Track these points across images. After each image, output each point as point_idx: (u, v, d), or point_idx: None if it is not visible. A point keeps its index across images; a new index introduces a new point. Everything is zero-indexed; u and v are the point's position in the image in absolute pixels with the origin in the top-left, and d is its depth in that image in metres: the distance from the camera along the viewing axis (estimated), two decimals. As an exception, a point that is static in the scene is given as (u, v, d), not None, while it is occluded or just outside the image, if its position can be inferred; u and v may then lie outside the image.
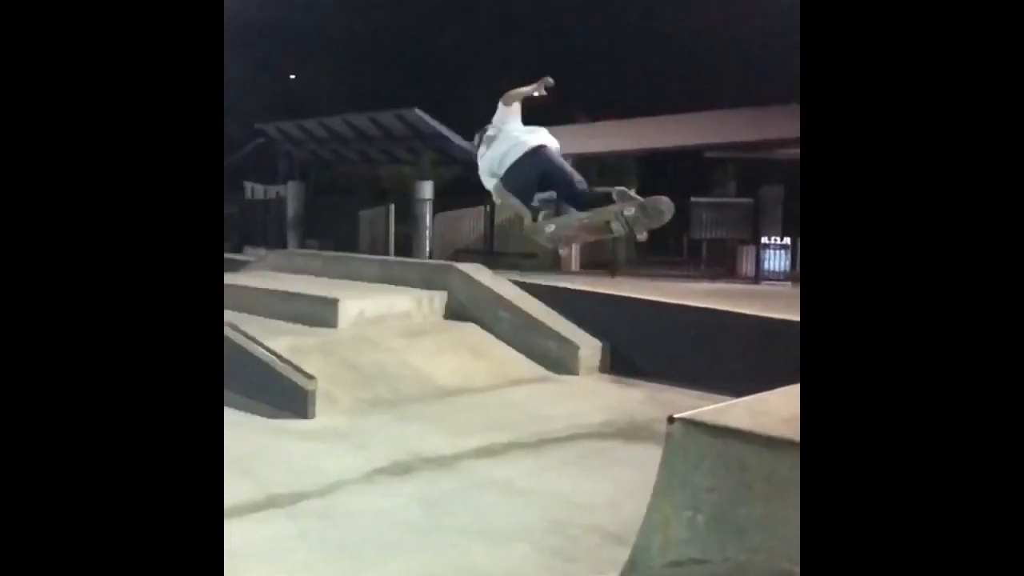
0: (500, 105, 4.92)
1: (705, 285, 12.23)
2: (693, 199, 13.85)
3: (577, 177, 4.73)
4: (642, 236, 4.77)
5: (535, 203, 4.69)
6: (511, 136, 4.76)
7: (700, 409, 3.72)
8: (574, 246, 13.62)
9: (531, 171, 4.66)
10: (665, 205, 4.44)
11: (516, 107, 4.90)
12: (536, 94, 4.84)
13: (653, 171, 15.99)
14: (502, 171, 4.70)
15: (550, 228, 4.66)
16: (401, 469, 6.02)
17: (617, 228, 4.51)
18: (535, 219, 4.66)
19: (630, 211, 4.46)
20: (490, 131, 4.89)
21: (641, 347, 9.62)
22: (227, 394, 8.56)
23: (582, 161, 14.74)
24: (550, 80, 4.83)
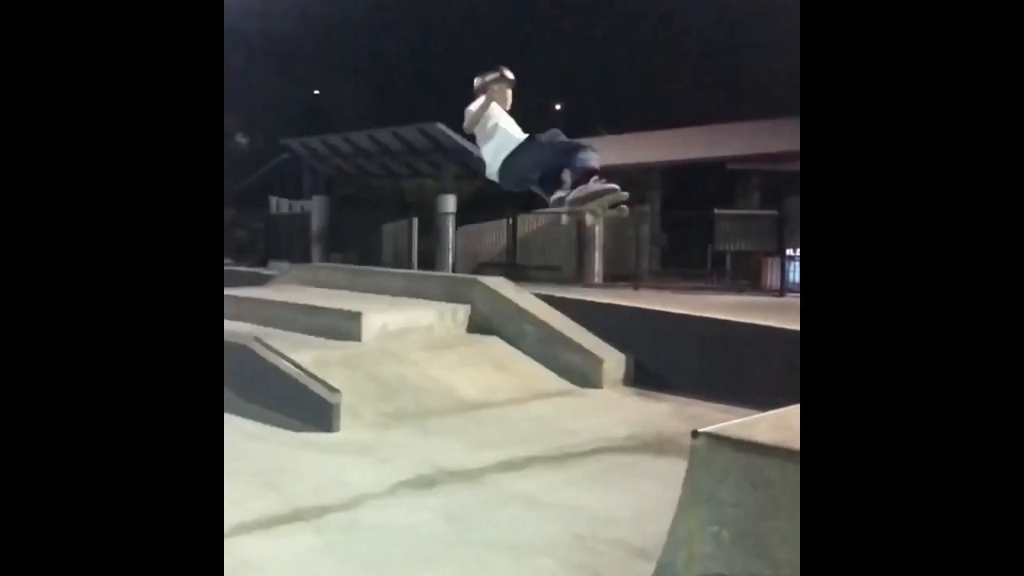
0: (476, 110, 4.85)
1: (730, 297, 12.15)
2: (717, 211, 13.80)
3: (582, 148, 4.63)
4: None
5: (539, 186, 4.63)
6: (500, 131, 4.74)
7: (725, 423, 3.69)
8: (598, 257, 13.66)
9: (525, 164, 4.63)
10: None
11: (494, 107, 4.84)
12: (496, 94, 4.78)
13: (677, 183, 15.95)
14: (497, 166, 4.70)
15: (568, 196, 4.53)
16: (425, 483, 6.02)
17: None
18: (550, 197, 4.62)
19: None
20: (489, 124, 4.83)
21: (665, 360, 9.58)
22: (252, 407, 8.68)
23: (604, 174, 14.78)
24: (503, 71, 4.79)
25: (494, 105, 4.86)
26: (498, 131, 4.78)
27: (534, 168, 4.66)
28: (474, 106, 4.82)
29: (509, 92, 4.88)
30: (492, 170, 4.83)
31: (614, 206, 4.51)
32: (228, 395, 8.67)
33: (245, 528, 5.13)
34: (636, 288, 12.56)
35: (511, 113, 5.00)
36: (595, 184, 4.44)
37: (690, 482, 3.50)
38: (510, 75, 4.85)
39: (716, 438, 3.40)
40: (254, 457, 6.71)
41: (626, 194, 4.53)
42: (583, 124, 19.06)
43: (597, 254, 13.64)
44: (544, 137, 4.69)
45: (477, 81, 4.91)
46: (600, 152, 4.77)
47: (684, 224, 14.61)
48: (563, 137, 4.74)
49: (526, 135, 4.73)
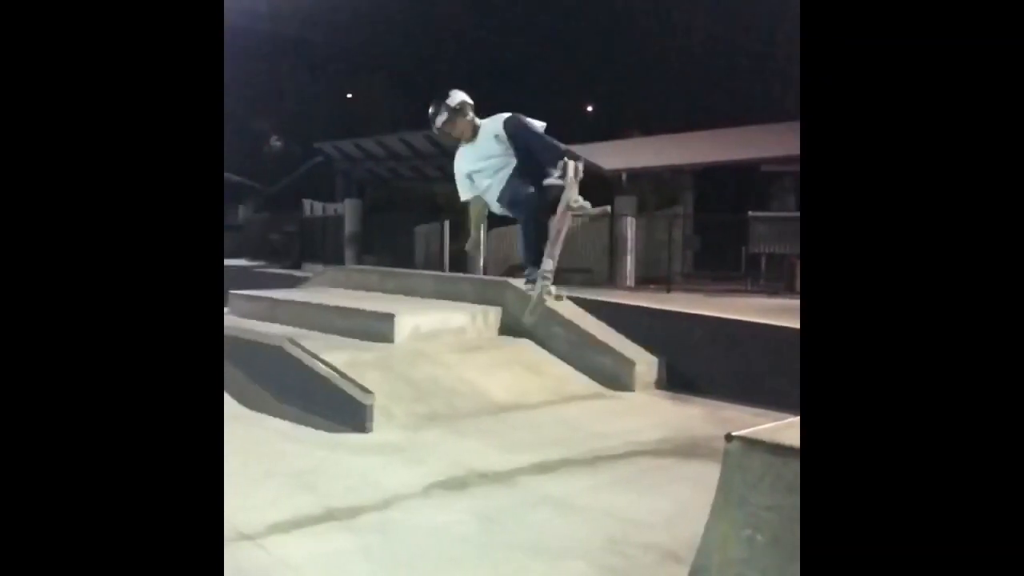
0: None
1: (763, 300, 12.04)
2: (751, 213, 13.68)
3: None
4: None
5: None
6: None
7: (759, 427, 3.66)
8: (630, 260, 13.60)
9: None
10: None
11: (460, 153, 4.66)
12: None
13: (710, 185, 15.84)
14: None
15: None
16: (457, 484, 6.05)
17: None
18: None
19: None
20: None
21: (698, 363, 9.51)
22: (287, 408, 8.76)
23: (637, 177, 14.71)
24: None
25: (460, 151, 4.66)
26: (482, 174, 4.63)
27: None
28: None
29: (458, 121, 4.59)
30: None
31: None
32: (263, 396, 8.81)
33: (280, 528, 5.19)
34: (669, 291, 12.49)
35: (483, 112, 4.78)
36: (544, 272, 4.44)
37: (724, 486, 3.48)
38: (452, 103, 4.58)
39: (750, 442, 3.37)
40: (289, 457, 6.79)
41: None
42: (615, 126, 19.01)
43: (629, 256, 13.59)
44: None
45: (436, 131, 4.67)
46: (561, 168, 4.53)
47: (717, 226, 14.50)
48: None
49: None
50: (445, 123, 4.42)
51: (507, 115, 4.21)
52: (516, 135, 4.39)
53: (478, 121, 4.44)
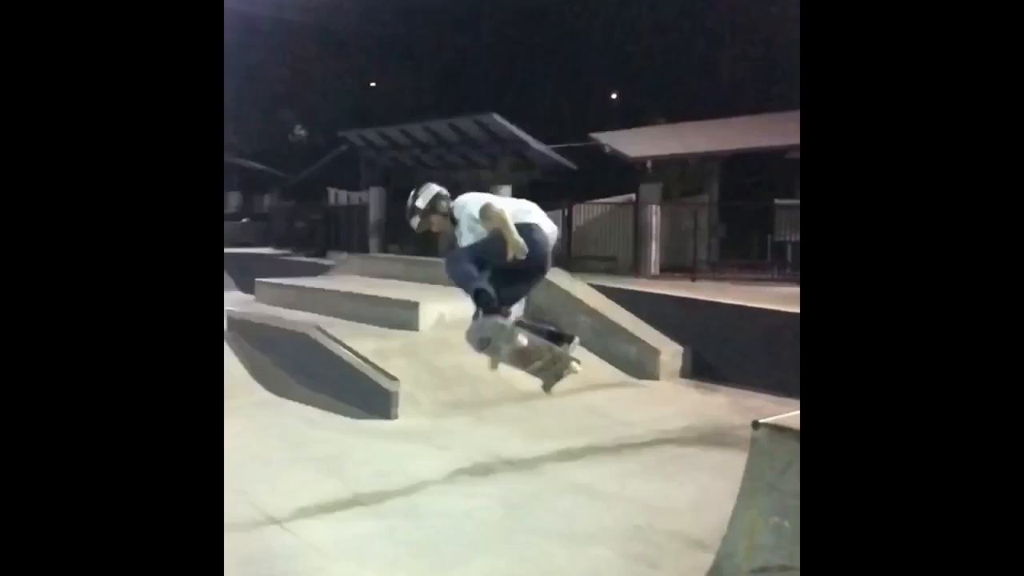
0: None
1: (789, 289, 11.93)
2: (777, 201, 13.54)
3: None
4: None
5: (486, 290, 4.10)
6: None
7: (786, 414, 3.65)
8: (654, 248, 13.52)
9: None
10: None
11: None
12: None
13: (736, 173, 15.71)
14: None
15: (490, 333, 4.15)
16: (482, 470, 6.08)
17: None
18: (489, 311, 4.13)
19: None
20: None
21: (723, 352, 9.47)
22: (313, 394, 8.83)
23: (662, 164, 14.61)
24: None
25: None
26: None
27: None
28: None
29: (433, 219, 4.38)
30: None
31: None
32: (290, 382, 8.89)
33: (308, 512, 5.25)
34: (694, 279, 12.40)
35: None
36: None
37: (751, 473, 3.47)
38: (420, 204, 4.37)
39: (778, 429, 3.36)
40: (316, 443, 6.86)
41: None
42: (641, 113, 18.87)
43: (654, 245, 13.51)
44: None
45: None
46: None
47: (743, 214, 14.36)
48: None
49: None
50: (420, 224, 4.39)
51: (484, 202, 4.14)
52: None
53: (455, 202, 4.31)
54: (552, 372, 4.18)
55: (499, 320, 4.10)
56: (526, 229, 4.04)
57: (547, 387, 4.22)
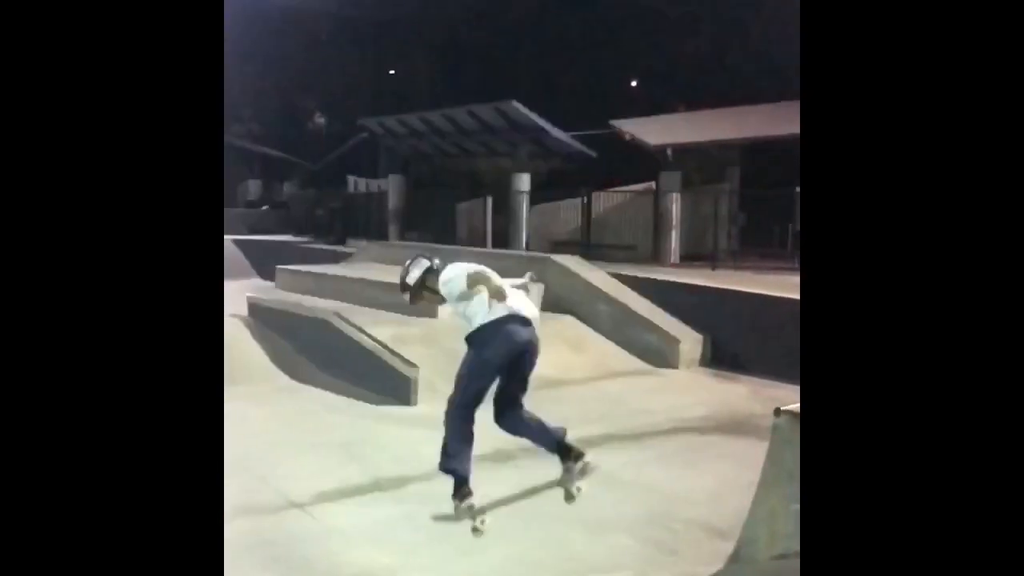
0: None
1: (810, 278, 11.84)
2: (798, 189, 13.42)
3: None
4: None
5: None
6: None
7: (808, 403, 3.62)
8: (674, 236, 13.45)
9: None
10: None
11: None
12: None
13: (757, 161, 15.57)
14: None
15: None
16: (502, 457, 6.09)
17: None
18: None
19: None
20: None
21: (743, 341, 9.43)
22: (333, 380, 8.87)
23: (682, 152, 14.51)
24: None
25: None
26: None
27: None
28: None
29: (424, 295, 4.40)
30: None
31: None
32: (310, 368, 8.96)
33: (329, 496, 5.30)
34: (714, 268, 12.35)
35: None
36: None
37: (772, 460, 3.46)
38: (410, 281, 4.38)
39: (799, 416, 3.33)
40: (336, 429, 6.91)
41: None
42: (661, 101, 18.75)
43: (674, 233, 13.46)
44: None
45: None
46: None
47: (764, 203, 14.24)
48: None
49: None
50: (413, 300, 4.40)
51: (466, 274, 4.13)
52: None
53: (440, 278, 4.27)
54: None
55: (465, 503, 4.14)
56: (499, 322, 3.97)
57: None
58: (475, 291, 4.03)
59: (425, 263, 4.32)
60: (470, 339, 4.04)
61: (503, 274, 9.77)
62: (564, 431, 4.11)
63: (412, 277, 4.32)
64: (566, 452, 4.13)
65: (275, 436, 6.84)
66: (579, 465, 4.05)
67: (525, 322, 4.05)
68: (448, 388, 8.20)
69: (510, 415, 4.06)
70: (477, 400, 4.02)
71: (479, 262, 13.08)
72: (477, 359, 3.98)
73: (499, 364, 3.95)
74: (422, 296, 4.36)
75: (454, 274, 4.18)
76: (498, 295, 3.99)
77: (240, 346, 9.55)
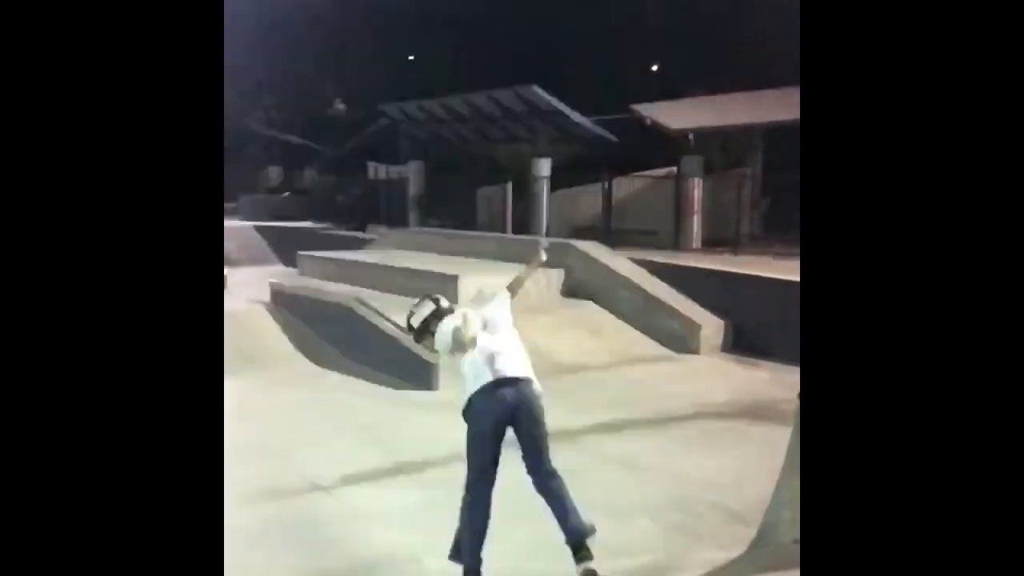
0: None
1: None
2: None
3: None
4: None
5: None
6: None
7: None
8: (696, 221, 13.37)
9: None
10: None
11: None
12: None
13: (779, 145, 15.41)
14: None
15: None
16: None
17: None
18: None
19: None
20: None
21: (765, 326, 9.36)
22: (356, 365, 8.92)
23: (704, 136, 14.40)
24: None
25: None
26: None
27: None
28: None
29: (428, 337, 4.27)
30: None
31: None
32: (332, 353, 9.02)
33: (352, 480, 5.35)
34: (736, 253, 12.26)
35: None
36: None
37: (795, 444, 3.45)
38: (414, 324, 4.27)
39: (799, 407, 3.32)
40: (359, 413, 6.96)
41: None
42: (681, 84, 18.59)
43: (695, 218, 13.37)
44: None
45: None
46: None
47: (787, 187, 14.10)
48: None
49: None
50: (418, 341, 4.35)
51: (453, 328, 4.10)
52: None
53: (440, 328, 4.23)
54: None
55: None
56: (481, 392, 3.89)
57: None
58: (463, 349, 4.00)
59: (430, 306, 4.24)
60: (463, 415, 4.01)
61: (520, 262, 9.75)
62: (592, 529, 3.92)
63: (416, 319, 4.27)
64: (577, 549, 3.92)
65: (299, 421, 6.91)
66: (581, 568, 3.88)
67: (510, 382, 3.91)
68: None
69: (535, 479, 3.95)
70: (481, 478, 3.91)
71: (500, 248, 13.05)
72: (470, 435, 3.94)
73: (491, 435, 3.88)
74: (426, 338, 4.31)
75: (446, 329, 4.13)
76: (473, 346, 3.92)
77: (263, 332, 9.63)
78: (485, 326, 4.04)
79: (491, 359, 3.89)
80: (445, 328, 4.09)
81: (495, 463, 3.86)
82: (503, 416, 3.84)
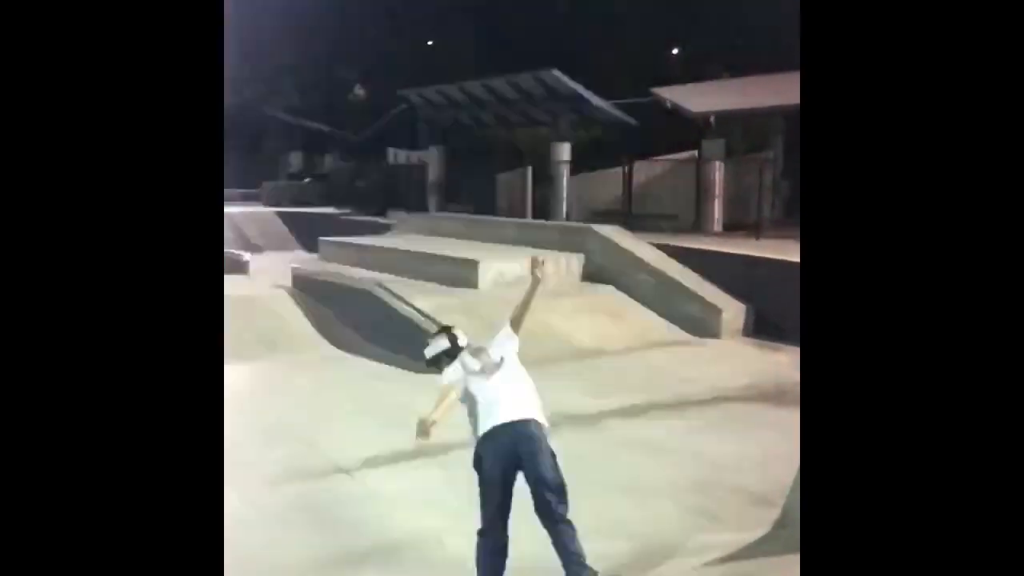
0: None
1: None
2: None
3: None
4: None
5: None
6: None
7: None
8: (717, 205, 13.28)
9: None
10: None
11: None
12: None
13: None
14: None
15: None
16: (544, 425, 6.13)
17: None
18: None
19: None
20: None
21: (787, 310, 9.28)
22: (376, 349, 8.94)
23: (725, 120, 14.27)
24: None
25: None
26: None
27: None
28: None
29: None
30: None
31: None
32: (353, 337, 9.08)
33: (374, 462, 5.39)
34: (757, 237, 12.17)
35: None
36: None
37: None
38: (427, 356, 4.25)
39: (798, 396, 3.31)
40: (380, 396, 7.00)
41: None
42: (702, 66, 18.43)
43: (716, 202, 13.30)
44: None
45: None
46: None
47: (808, 171, 14.00)
48: None
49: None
50: (436, 369, 4.33)
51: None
52: None
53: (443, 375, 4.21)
54: None
55: None
56: (485, 439, 3.82)
57: None
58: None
59: (444, 344, 4.24)
60: (473, 466, 4.00)
61: (540, 246, 9.71)
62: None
63: (429, 353, 4.31)
64: None
65: (321, 404, 6.97)
66: None
67: (508, 428, 3.84)
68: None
69: (544, 524, 3.90)
70: (493, 524, 3.83)
71: (519, 233, 12.98)
72: (479, 481, 3.93)
73: (499, 480, 3.84)
74: (437, 371, 4.35)
75: (446, 380, 4.10)
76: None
77: (285, 316, 9.71)
78: (483, 370, 4.03)
79: (490, 407, 3.87)
80: (447, 377, 4.11)
81: (507, 508, 3.80)
82: (508, 462, 3.82)
